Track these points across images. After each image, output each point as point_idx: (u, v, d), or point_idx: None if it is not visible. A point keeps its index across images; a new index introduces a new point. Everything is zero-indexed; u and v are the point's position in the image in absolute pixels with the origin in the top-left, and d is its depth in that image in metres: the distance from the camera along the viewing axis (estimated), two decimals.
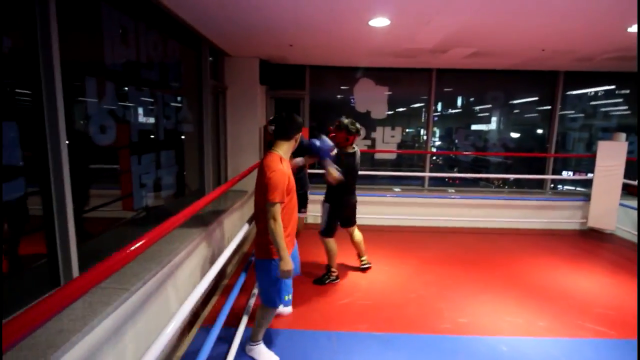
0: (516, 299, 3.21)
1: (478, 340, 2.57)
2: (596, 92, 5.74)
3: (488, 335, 2.62)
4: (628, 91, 5.66)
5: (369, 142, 5.69)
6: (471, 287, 3.42)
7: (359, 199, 3.53)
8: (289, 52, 4.48)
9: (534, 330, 2.70)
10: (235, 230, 2.63)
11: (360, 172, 3.50)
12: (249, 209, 4.55)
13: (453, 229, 5.34)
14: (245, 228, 2.52)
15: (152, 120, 2.90)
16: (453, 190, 5.67)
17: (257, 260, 2.23)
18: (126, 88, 2.50)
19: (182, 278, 2.51)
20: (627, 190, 5.25)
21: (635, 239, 4.97)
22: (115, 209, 2.58)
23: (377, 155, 5.89)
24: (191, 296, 1.56)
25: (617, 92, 5.71)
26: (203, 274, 2.63)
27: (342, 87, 5.74)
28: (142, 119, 2.76)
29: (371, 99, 5.63)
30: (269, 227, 2.03)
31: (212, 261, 2.16)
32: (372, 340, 2.55)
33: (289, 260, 2.06)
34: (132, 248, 1.22)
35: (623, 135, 4.98)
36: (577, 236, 5.18)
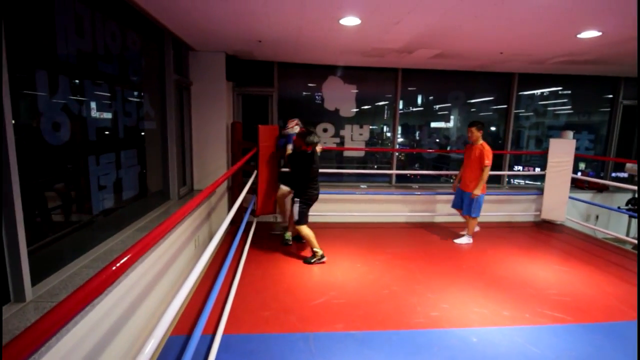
0: (481, 289, 3.37)
1: (450, 332, 2.66)
2: (542, 93, 6.16)
3: (459, 327, 2.72)
4: (570, 92, 6.13)
5: (337, 140, 5.70)
6: (440, 280, 3.55)
7: (327, 196, 3.74)
8: (257, 47, 4.36)
9: (499, 320, 2.84)
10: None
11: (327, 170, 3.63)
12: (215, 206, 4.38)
13: (419, 224, 5.51)
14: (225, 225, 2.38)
15: (109, 116, 2.69)
16: (417, 187, 5.84)
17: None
18: (77, 81, 2.29)
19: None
20: (575, 184, 5.69)
21: (583, 229, 5.43)
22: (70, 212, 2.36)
23: (345, 153, 5.91)
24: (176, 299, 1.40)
25: (560, 92, 6.16)
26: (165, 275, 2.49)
27: (309, 85, 5.69)
28: (99, 115, 2.55)
29: (340, 97, 5.64)
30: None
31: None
32: (349, 339, 2.55)
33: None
34: (118, 265, 1.05)
35: (570, 133, 5.40)
36: (532, 227, 5.55)
